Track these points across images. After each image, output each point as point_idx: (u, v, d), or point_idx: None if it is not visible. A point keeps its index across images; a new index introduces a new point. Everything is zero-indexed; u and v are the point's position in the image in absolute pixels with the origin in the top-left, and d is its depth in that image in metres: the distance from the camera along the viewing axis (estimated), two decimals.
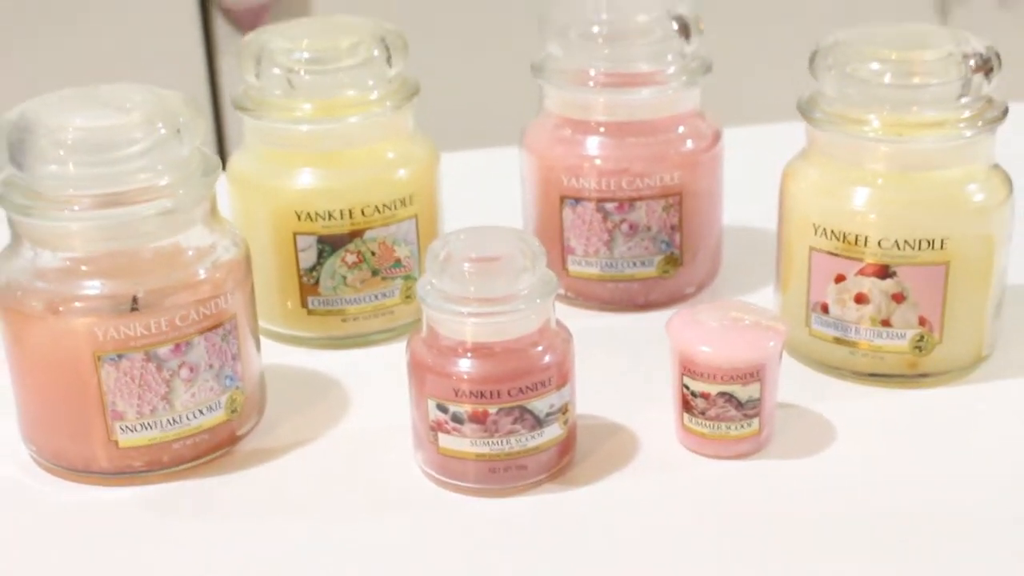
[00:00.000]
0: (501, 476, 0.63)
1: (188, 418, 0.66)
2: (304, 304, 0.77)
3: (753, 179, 0.88)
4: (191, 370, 0.65)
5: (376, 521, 0.63)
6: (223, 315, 0.66)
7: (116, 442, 0.65)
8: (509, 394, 0.61)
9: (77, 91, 0.67)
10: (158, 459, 0.66)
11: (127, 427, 0.65)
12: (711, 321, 0.65)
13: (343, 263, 0.76)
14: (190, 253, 0.66)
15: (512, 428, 0.62)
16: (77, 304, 0.63)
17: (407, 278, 0.78)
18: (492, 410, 0.62)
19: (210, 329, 0.65)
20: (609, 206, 0.79)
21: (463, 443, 0.62)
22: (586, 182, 0.79)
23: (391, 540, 0.62)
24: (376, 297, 0.78)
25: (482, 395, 0.61)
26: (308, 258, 0.76)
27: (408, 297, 0.78)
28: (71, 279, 0.64)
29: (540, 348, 0.62)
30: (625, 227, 0.79)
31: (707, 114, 0.82)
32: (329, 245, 0.76)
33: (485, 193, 0.92)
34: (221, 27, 1.45)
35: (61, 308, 0.64)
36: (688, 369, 0.64)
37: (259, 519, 0.64)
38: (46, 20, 1.29)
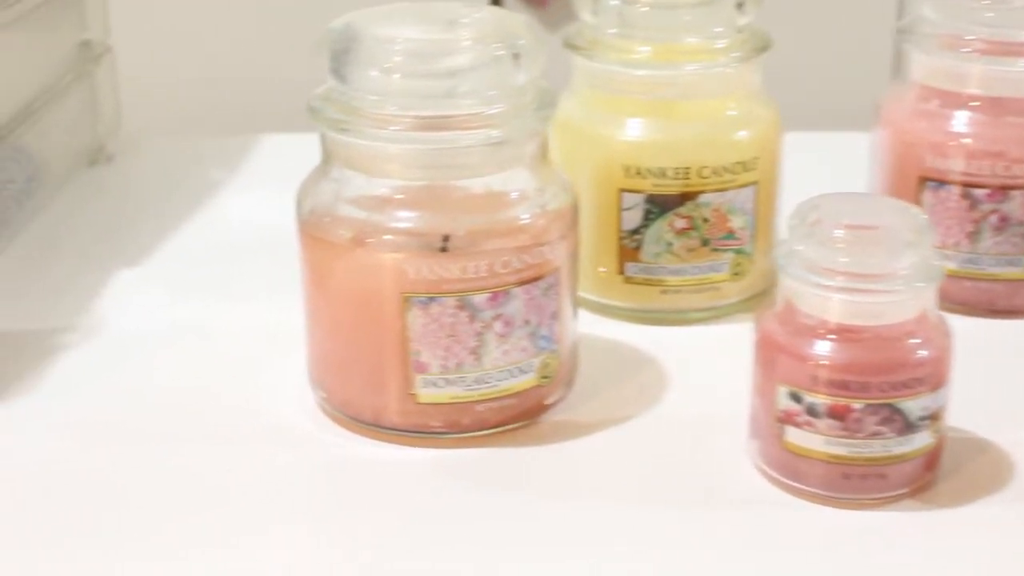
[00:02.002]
0: (856, 484, 0.54)
1: (496, 378, 0.58)
2: (621, 270, 0.69)
3: None
4: (506, 324, 0.58)
5: (694, 514, 0.55)
6: (546, 267, 0.58)
7: (414, 396, 0.58)
8: (880, 389, 0.52)
9: (409, 5, 0.60)
10: (457, 421, 0.59)
11: (429, 381, 0.58)
12: None
13: (671, 228, 0.68)
14: (514, 195, 0.58)
15: (877, 429, 0.53)
16: (387, 237, 0.57)
17: (739, 252, 0.69)
18: (857, 406, 0.52)
19: (530, 281, 0.58)
20: (978, 193, 0.69)
21: (815, 441, 0.53)
22: (953, 163, 0.69)
23: (713, 538, 0.53)
24: (702, 270, 0.69)
25: (847, 386, 0.52)
26: (632, 219, 0.68)
27: (737, 274, 0.70)
28: (383, 209, 0.57)
29: (917, 340, 0.53)
30: (994, 219, 0.69)
31: None
32: (658, 206, 0.68)
33: (824, 172, 0.82)
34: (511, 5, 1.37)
35: (369, 240, 0.57)
36: None
37: (563, 499, 0.56)
38: None
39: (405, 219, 0.57)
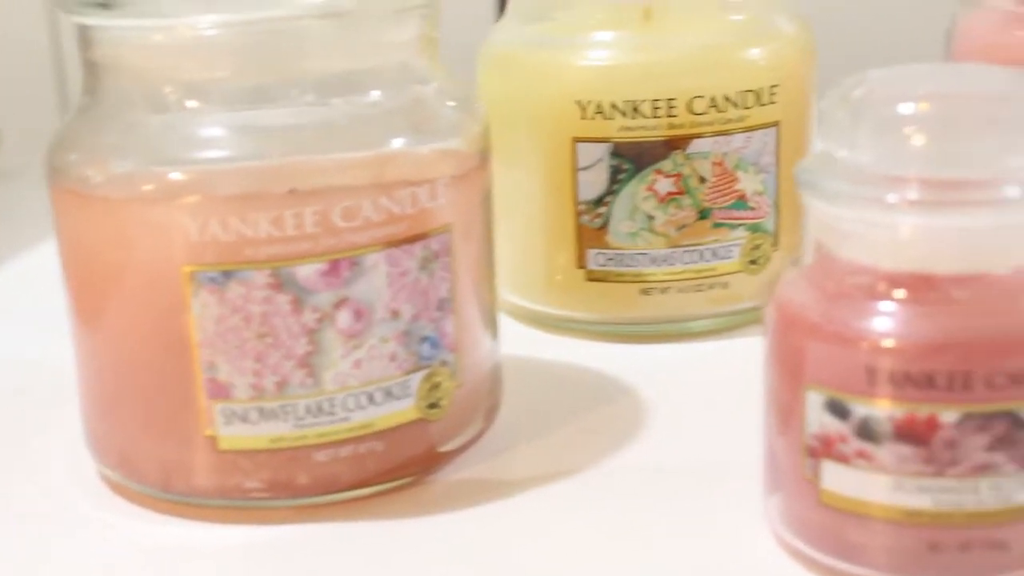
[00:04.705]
0: (952, 562, 0.30)
1: (346, 407, 0.35)
2: (581, 262, 0.46)
3: None
4: (357, 315, 0.35)
5: None
6: (427, 221, 0.36)
7: (214, 439, 0.35)
8: (991, 384, 0.29)
9: None
10: (289, 479, 0.36)
11: (235, 414, 0.35)
12: None
13: (651, 193, 0.45)
14: (374, 97, 0.35)
15: (987, 460, 0.29)
16: (174, 177, 0.34)
17: (755, 229, 0.46)
18: (947, 417, 0.29)
19: (401, 243, 0.35)
20: None
21: (876, 485, 0.30)
22: None
23: None
24: (701, 256, 0.46)
25: (930, 383, 0.29)
26: (594, 182, 0.46)
27: (754, 262, 0.47)
28: (170, 132, 0.35)
29: None
30: None
31: None
32: (630, 161, 0.45)
33: None
34: None
35: (146, 187, 0.34)
36: None
37: None
38: None
39: (203, 144, 0.34)
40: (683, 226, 0.46)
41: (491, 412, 0.40)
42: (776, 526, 0.33)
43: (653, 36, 0.46)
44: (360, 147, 0.35)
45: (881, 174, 0.30)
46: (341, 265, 0.34)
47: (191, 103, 0.35)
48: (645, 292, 0.47)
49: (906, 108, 0.30)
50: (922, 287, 0.30)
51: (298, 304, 0.34)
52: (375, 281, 0.35)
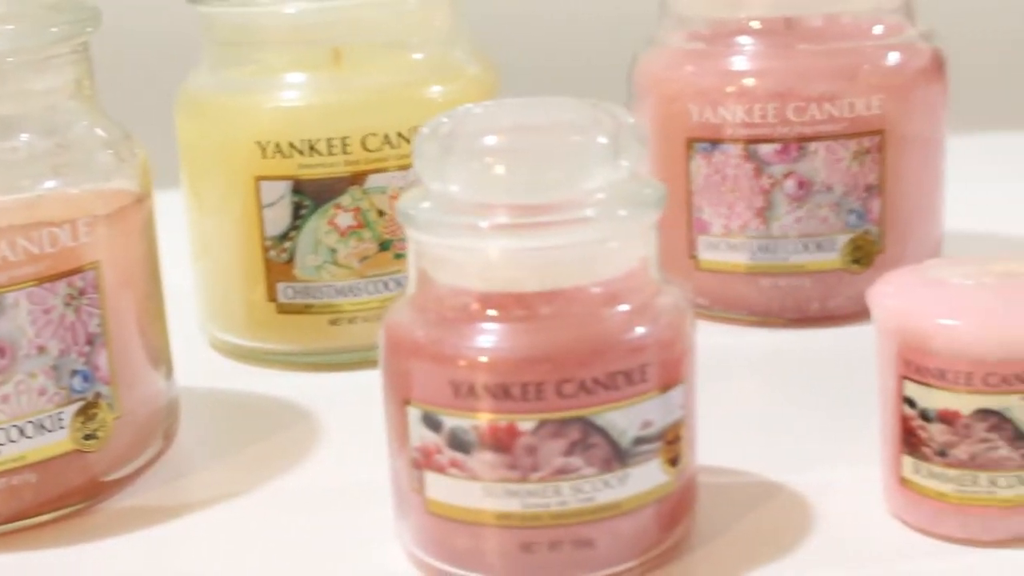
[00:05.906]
0: (544, 562, 0.32)
1: None
2: (271, 296, 0.48)
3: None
4: (0, 352, 0.36)
5: None
6: (71, 260, 0.37)
7: None
8: (561, 393, 0.31)
9: None
10: None
11: None
12: (958, 278, 0.34)
13: (332, 227, 0.47)
14: (22, 141, 0.37)
15: (567, 464, 0.31)
16: None
17: None
18: (526, 425, 0.31)
19: (44, 281, 0.36)
20: (765, 151, 0.49)
21: (472, 492, 0.32)
22: (728, 113, 0.49)
23: None
24: (386, 286, 0.48)
25: (507, 394, 0.31)
26: (278, 218, 0.47)
27: None
28: None
29: (626, 308, 0.32)
30: (790, 185, 0.49)
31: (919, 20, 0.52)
32: (310, 198, 0.47)
33: None
34: None
35: None
36: (915, 367, 0.33)
37: None
38: None
39: None
40: (365, 257, 0.48)
41: (166, 440, 0.41)
42: (404, 540, 0.35)
43: (338, 78, 0.48)
44: (5, 190, 0.37)
45: (469, 202, 0.32)
46: None
47: None
48: (334, 323, 0.48)
49: (490, 140, 0.32)
50: (512, 305, 0.32)
51: None
52: (17, 319, 0.36)
